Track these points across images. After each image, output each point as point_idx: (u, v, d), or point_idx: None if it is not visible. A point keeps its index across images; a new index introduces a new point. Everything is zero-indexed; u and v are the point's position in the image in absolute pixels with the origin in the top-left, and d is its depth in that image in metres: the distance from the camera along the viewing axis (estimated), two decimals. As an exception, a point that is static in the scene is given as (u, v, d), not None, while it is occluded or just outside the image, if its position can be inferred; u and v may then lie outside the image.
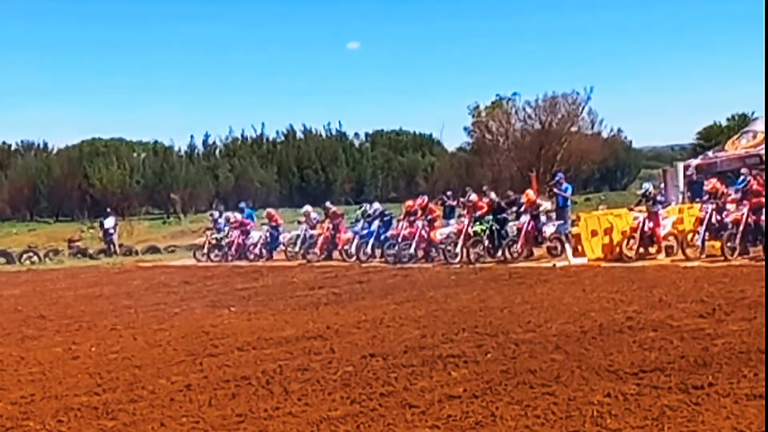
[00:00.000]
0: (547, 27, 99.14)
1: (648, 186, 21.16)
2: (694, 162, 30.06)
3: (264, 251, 27.99)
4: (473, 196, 24.68)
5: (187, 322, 13.83)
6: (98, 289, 20.39)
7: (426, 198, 25.27)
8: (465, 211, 24.15)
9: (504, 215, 22.99)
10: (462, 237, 22.66)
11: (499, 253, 21.86)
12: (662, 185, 29.06)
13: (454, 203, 28.36)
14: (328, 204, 28.36)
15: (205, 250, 29.14)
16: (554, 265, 19.67)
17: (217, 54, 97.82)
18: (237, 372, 9.35)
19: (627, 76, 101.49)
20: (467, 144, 67.28)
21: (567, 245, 21.11)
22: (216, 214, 31.81)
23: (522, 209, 22.46)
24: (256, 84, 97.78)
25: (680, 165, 30.12)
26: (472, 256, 21.87)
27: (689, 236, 19.71)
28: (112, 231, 37.48)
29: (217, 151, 71.19)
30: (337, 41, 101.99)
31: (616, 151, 67.96)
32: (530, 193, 23.11)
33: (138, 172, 65.41)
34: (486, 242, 22.28)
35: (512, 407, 7.26)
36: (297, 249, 26.40)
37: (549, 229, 22.01)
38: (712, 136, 58.46)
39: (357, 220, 26.18)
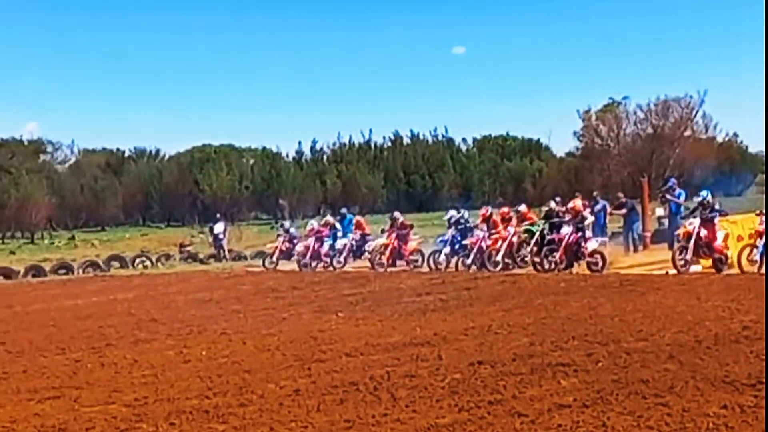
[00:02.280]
0: (660, 29, 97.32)
1: (705, 194, 20.23)
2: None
3: (336, 259, 27.99)
4: (522, 207, 24.57)
5: (296, 327, 13.93)
6: (208, 294, 20.72)
7: (489, 208, 25.09)
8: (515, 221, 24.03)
9: (559, 220, 22.47)
10: (505, 245, 22.64)
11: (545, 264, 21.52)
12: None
13: (563, 209, 27.97)
14: (396, 214, 28.22)
15: (274, 258, 29.45)
16: (667, 272, 19.21)
17: (324, 61, 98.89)
18: (345, 378, 9.37)
19: (742, 79, 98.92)
20: (576, 149, 66.63)
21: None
22: (287, 223, 32.21)
23: (566, 220, 21.99)
24: (363, 90, 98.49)
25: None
26: (519, 264, 22.06)
27: (747, 250, 18.79)
28: (221, 236, 38.20)
29: (325, 157, 72.00)
30: (443, 46, 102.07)
31: (731, 156, 66.23)
32: (577, 203, 22.46)
33: (247, 178, 66.60)
34: (533, 248, 22.18)
35: (624, 418, 7.10)
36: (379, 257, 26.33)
37: (591, 245, 21.51)
38: (833, 140, 56.61)
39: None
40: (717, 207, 20.12)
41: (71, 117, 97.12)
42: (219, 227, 38.49)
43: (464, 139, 74.47)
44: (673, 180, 26.56)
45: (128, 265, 36.54)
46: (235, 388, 9.25)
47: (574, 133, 64.67)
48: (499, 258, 22.42)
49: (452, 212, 26.36)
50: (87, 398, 9.18)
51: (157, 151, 72.89)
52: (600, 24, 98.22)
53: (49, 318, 17.61)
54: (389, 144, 72.59)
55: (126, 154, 72.45)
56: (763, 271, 17.73)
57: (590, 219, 22.20)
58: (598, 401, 7.68)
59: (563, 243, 21.26)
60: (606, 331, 11.43)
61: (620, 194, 27.72)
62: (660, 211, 25.05)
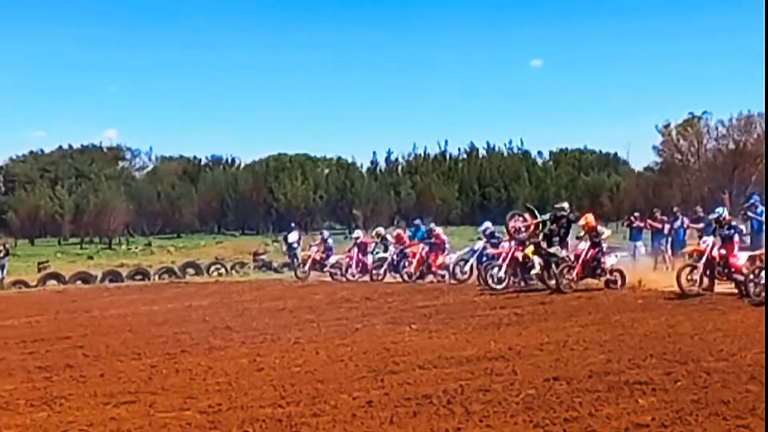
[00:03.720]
0: (742, 45, 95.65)
1: (721, 211, 19.20)
2: None
3: (375, 271, 27.43)
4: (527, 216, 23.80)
5: (369, 338, 13.89)
6: (282, 303, 20.78)
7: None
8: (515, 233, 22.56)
9: (567, 219, 21.53)
10: (507, 260, 21.56)
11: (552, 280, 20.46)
12: None
13: (642, 224, 27.48)
14: (432, 225, 28.09)
15: (306, 269, 29.33)
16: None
17: (400, 74, 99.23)
18: (418, 390, 9.29)
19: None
20: (655, 164, 65.91)
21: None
22: (326, 233, 31.89)
23: (581, 235, 20.92)
24: (439, 101, 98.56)
25: None
26: (523, 281, 21.41)
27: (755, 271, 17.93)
28: (295, 245, 38.23)
29: (399, 168, 72.18)
30: (521, 59, 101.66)
31: (816, 173, 64.83)
32: (590, 217, 21.26)
33: (321, 188, 67.06)
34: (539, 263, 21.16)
35: (704, 440, 6.94)
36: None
37: (610, 260, 20.52)
38: None
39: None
40: (734, 224, 19.22)
41: (150, 125, 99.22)
42: (293, 236, 38.53)
43: (540, 152, 74.19)
44: (755, 197, 25.87)
45: (203, 273, 36.98)
46: (308, 397, 9.24)
47: (653, 147, 63.99)
48: (502, 273, 21.46)
49: (487, 224, 25.56)
50: (162, 404, 9.25)
51: (233, 159, 73.84)
52: (680, 39, 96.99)
53: (125, 323, 17.86)
54: (464, 156, 72.59)
55: (202, 162, 73.44)
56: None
57: (607, 233, 21.44)
58: (677, 421, 7.52)
59: (580, 259, 20.29)
60: (685, 350, 11.19)
61: (698, 208, 27.19)
62: (743, 228, 24.40)
